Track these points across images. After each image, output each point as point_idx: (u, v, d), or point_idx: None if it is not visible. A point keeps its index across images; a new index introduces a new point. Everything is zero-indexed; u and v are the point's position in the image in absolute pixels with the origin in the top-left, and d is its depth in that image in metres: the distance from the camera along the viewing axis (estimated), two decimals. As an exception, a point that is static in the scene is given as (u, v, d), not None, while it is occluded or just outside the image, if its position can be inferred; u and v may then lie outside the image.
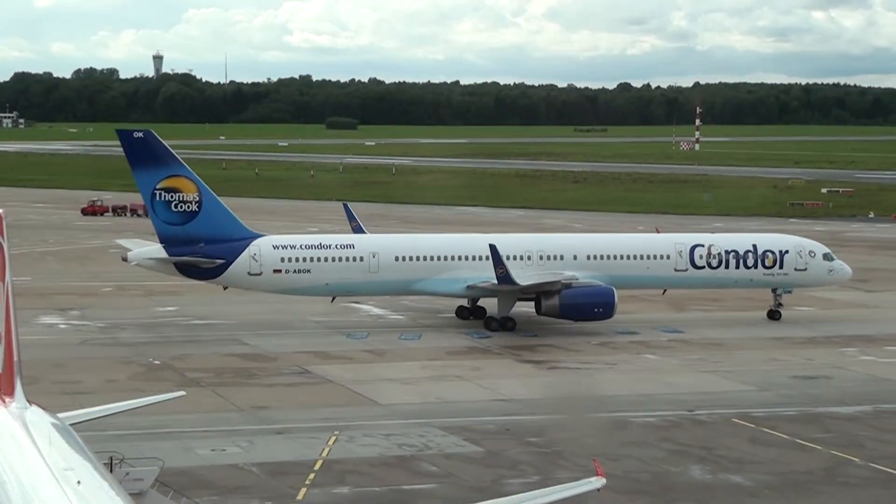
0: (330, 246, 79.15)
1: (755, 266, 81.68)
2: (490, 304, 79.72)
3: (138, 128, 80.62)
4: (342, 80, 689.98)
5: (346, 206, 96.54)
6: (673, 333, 76.96)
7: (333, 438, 51.28)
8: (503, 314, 77.71)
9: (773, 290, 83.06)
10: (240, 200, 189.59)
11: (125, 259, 79.18)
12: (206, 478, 45.67)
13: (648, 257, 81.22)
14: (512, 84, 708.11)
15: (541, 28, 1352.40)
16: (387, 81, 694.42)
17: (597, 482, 31.62)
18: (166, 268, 77.74)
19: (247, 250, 77.07)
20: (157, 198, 76.43)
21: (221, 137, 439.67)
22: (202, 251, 76.67)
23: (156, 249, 77.61)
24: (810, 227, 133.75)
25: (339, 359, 69.02)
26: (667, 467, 47.19)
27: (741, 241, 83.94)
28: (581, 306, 75.96)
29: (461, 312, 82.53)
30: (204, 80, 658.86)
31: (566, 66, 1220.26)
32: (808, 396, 59.66)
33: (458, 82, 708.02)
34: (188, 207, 76.48)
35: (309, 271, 77.74)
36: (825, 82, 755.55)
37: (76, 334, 75.60)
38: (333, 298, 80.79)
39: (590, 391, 61.43)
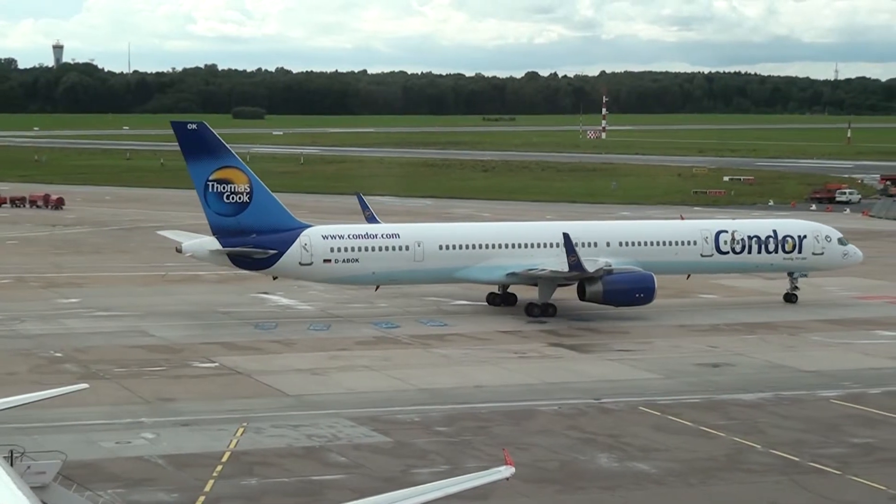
0: (376, 235, 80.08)
1: (776, 251, 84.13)
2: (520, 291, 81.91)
3: (191, 119, 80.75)
4: (248, 70, 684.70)
5: (359, 197, 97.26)
6: (581, 322, 77.55)
7: (241, 430, 50.90)
8: (544, 300, 79.09)
9: (790, 274, 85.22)
10: (145, 191, 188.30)
11: (179, 251, 79.72)
12: (111, 470, 45.09)
13: (676, 243, 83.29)
14: (420, 73, 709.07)
15: (448, 17, 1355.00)
16: (294, 71, 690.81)
17: (506, 471, 31.71)
18: (220, 259, 78.07)
19: (298, 240, 77.63)
20: (210, 189, 77.00)
21: (125, 128, 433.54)
22: (254, 242, 76.98)
23: (209, 241, 77.95)
24: (713, 215, 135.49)
25: (248, 350, 68.49)
26: (574, 455, 47.57)
27: (762, 226, 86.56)
28: (624, 292, 77.45)
29: (492, 299, 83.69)
30: (106, 70, 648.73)
31: (474, 54, 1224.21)
32: (711, 384, 60.54)
33: (365, 71, 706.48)
34: (239, 198, 77.05)
35: (357, 260, 78.38)
36: (727, 71, 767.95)
37: (-24, 327, 74.06)
38: (377, 287, 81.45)
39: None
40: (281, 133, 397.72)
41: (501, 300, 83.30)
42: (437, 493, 30.30)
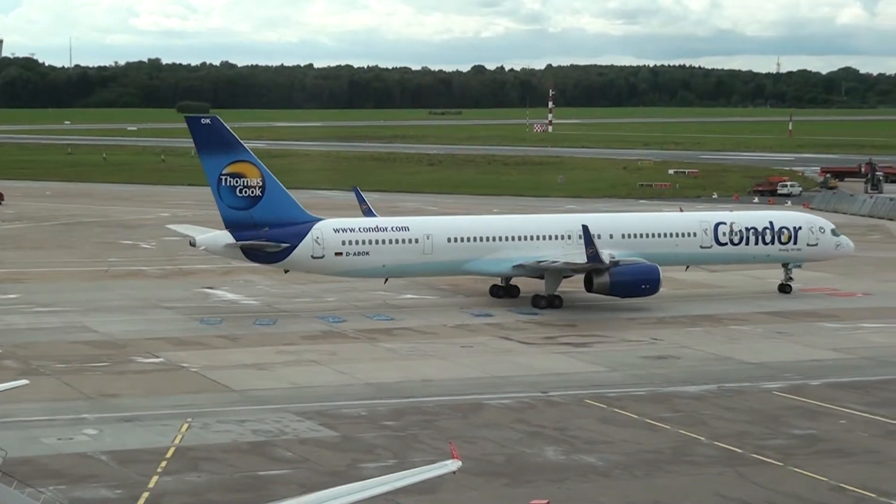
0: (386, 228, 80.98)
1: (772, 242, 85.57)
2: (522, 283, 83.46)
3: (206, 114, 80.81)
4: (193, 64, 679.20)
5: (356, 190, 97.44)
6: (528, 315, 77.71)
7: (186, 425, 50.53)
8: (550, 292, 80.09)
9: (784, 265, 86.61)
10: (86, 185, 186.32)
11: (193, 244, 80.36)
12: (52, 467, 44.60)
13: (677, 235, 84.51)
14: (366, 67, 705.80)
15: (394, 10, 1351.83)
16: (239, 65, 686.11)
17: (453, 465, 31.68)
18: (233, 252, 78.51)
19: (310, 234, 78.18)
20: (223, 183, 77.16)
21: (66, 122, 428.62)
22: (267, 235, 77.36)
23: (223, 235, 78.15)
24: (659, 207, 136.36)
25: (192, 345, 67.97)
26: (521, 449, 47.65)
27: (758, 218, 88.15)
28: (630, 283, 78.32)
29: (495, 291, 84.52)
30: (47, 65, 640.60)
31: (420, 48, 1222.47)
32: (656, 376, 60.87)
33: (311, 65, 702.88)
34: (252, 192, 77.39)
35: (367, 253, 79.20)
36: (672, 64, 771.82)
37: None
38: (386, 280, 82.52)
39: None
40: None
41: (504, 292, 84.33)
42: (384, 488, 30.24)
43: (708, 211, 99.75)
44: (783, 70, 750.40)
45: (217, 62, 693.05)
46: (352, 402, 55.15)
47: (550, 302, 79.89)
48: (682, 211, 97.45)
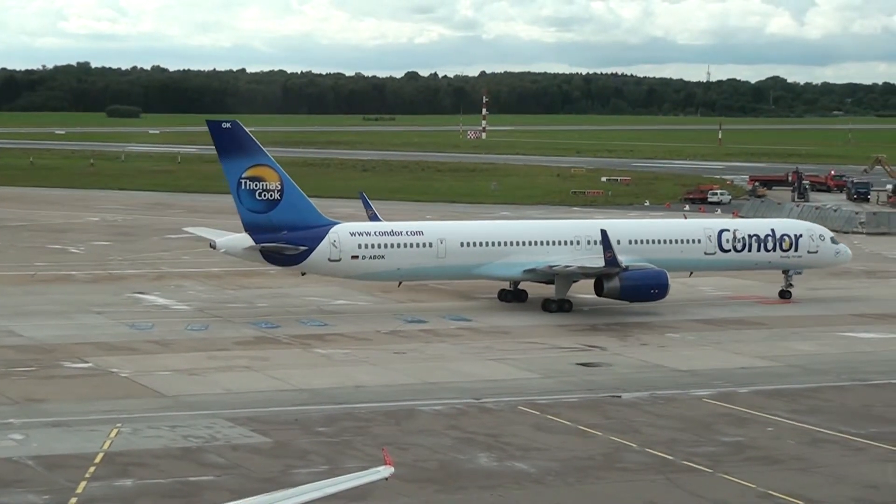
0: (401, 232, 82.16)
1: (774, 249, 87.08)
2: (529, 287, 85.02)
3: (226, 118, 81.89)
4: (124, 68, 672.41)
5: (362, 195, 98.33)
6: (461, 322, 77.85)
7: (115, 431, 49.97)
8: (560, 296, 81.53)
9: (785, 272, 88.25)
10: (13, 190, 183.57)
11: (213, 247, 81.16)
12: (-21, 475, 43.84)
13: (681, 241, 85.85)
14: (299, 72, 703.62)
15: (328, 16, 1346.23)
16: (171, 69, 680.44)
17: (385, 471, 31.65)
18: (253, 255, 79.53)
19: (327, 237, 79.26)
20: (243, 186, 78.28)
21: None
22: (285, 238, 78.33)
23: (243, 237, 79.12)
24: (591, 215, 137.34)
25: (122, 350, 67.26)
26: (454, 455, 47.68)
27: (761, 225, 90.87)
28: (639, 288, 79.51)
29: (504, 296, 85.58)
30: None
31: (354, 54, 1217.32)
32: (589, 383, 61.22)
33: (244, 70, 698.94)
34: (271, 196, 78.53)
35: (383, 257, 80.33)
36: (604, 72, 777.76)
37: None
38: (400, 283, 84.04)
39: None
40: (157, 132, 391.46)
41: (513, 297, 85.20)
42: (316, 494, 30.11)
43: (708, 218, 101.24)
44: (713, 79, 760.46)
45: (148, 66, 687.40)
46: (284, 408, 54.86)
47: (560, 306, 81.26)
48: (685, 218, 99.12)
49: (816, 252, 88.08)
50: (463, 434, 50.81)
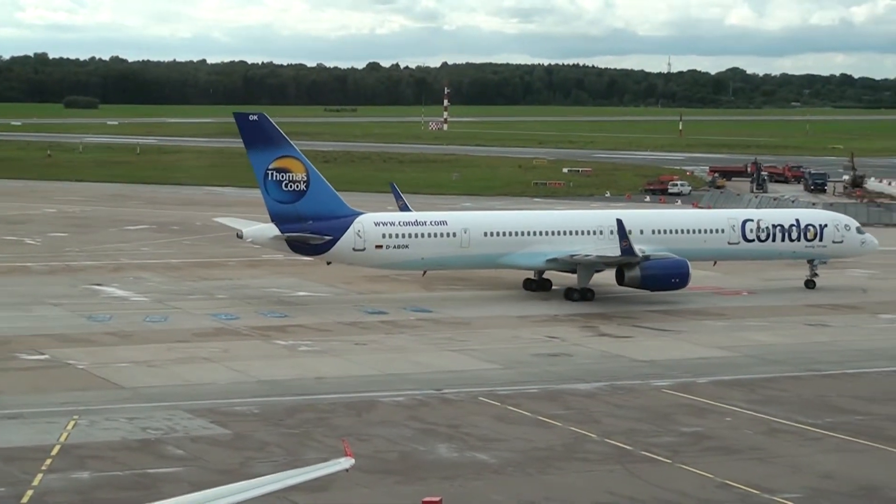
0: (425, 222, 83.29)
1: (798, 239, 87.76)
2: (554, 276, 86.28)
3: (253, 111, 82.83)
4: (81, 59, 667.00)
5: (393, 186, 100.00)
6: (421, 313, 77.85)
7: (73, 423, 49.67)
8: (583, 285, 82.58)
9: (810, 261, 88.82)
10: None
11: (240, 237, 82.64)
12: (-66, 468, 43.43)
13: (705, 231, 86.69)
14: (260, 63, 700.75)
15: (289, 6, 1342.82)
16: (130, 60, 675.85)
17: (345, 462, 31.61)
18: (279, 244, 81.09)
19: (352, 227, 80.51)
20: (270, 178, 79.65)
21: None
22: (311, 228, 79.75)
23: (269, 227, 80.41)
24: (553, 206, 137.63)
25: (80, 342, 66.76)
26: (415, 446, 47.70)
27: (785, 215, 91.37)
28: (660, 277, 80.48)
29: (528, 285, 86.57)
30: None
31: (315, 45, 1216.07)
32: (549, 374, 61.37)
33: (204, 61, 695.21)
34: (297, 187, 79.88)
35: (407, 246, 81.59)
36: (566, 63, 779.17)
37: None
38: (424, 273, 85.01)
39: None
40: (116, 123, 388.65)
41: (537, 286, 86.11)
42: (276, 486, 30.06)
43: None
44: (674, 70, 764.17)
45: (107, 57, 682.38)
46: (244, 400, 54.67)
47: (583, 295, 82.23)
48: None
49: (842, 242, 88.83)
50: (423, 425, 50.82)
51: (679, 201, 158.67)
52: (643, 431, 50.29)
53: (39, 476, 42.62)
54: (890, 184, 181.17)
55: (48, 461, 44.37)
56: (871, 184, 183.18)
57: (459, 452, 46.98)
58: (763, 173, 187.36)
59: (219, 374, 59.86)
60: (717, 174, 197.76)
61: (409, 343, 68.69)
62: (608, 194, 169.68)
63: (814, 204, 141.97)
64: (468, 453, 46.83)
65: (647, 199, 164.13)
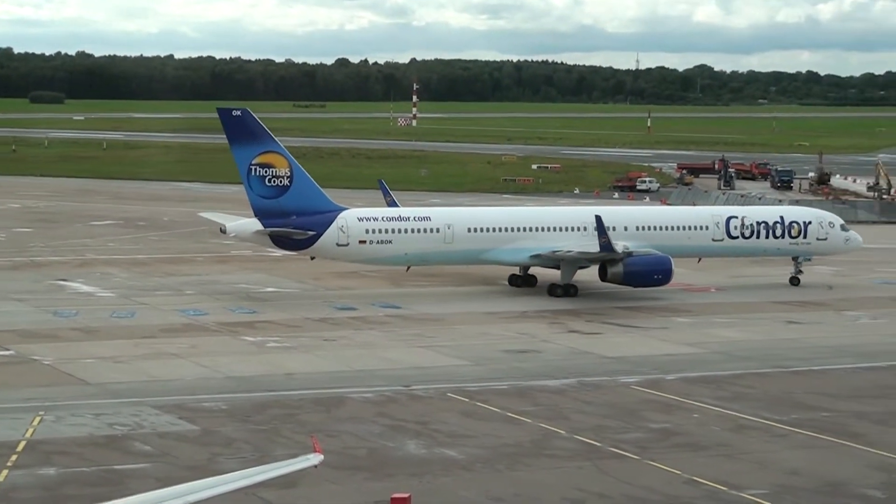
0: (409, 218, 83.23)
1: (782, 236, 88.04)
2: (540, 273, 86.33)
3: (236, 106, 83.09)
4: (47, 54, 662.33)
5: (381, 183, 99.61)
6: (391, 309, 77.73)
7: (38, 419, 49.31)
8: (566, 281, 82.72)
9: (794, 259, 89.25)
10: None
11: (223, 231, 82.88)
12: None
13: (689, 228, 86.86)
14: (228, 58, 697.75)
15: (257, 1, 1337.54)
16: (96, 55, 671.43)
17: (314, 458, 31.50)
18: (262, 239, 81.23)
19: (335, 222, 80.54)
20: (253, 173, 79.83)
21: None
22: (294, 223, 79.68)
23: (252, 222, 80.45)
24: (523, 202, 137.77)
25: (45, 338, 66.27)
26: (383, 443, 47.62)
27: (769, 212, 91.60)
28: (643, 274, 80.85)
29: (514, 280, 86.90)
30: None
31: (283, 40, 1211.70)
32: (518, 370, 61.38)
33: (172, 56, 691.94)
34: (280, 182, 79.98)
35: (390, 242, 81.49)
36: (535, 59, 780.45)
37: None
38: (408, 268, 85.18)
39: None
40: (82, 118, 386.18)
41: (523, 281, 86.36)
42: (244, 482, 29.91)
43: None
44: (642, 67, 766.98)
45: (73, 52, 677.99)
46: (212, 396, 54.44)
47: (566, 291, 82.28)
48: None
49: (826, 239, 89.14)
50: (392, 421, 50.75)
51: (647, 198, 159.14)
52: (611, 428, 50.40)
53: (5, 472, 42.30)
54: (855, 181, 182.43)
55: (14, 457, 44.02)
56: (836, 181, 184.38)
57: (428, 449, 46.94)
58: (730, 170, 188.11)
59: (186, 370, 59.57)
60: (685, 171, 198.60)
61: (378, 339, 68.57)
62: (577, 191, 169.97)
63: (780, 201, 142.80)
64: (437, 450, 46.79)
65: (616, 195, 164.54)
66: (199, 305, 77.18)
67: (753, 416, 52.73)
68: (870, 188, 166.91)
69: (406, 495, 38.97)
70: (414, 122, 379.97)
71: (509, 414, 52.24)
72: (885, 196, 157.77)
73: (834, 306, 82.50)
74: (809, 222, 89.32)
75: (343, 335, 69.34)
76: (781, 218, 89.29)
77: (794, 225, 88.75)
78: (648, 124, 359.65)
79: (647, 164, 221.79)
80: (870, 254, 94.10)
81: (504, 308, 79.04)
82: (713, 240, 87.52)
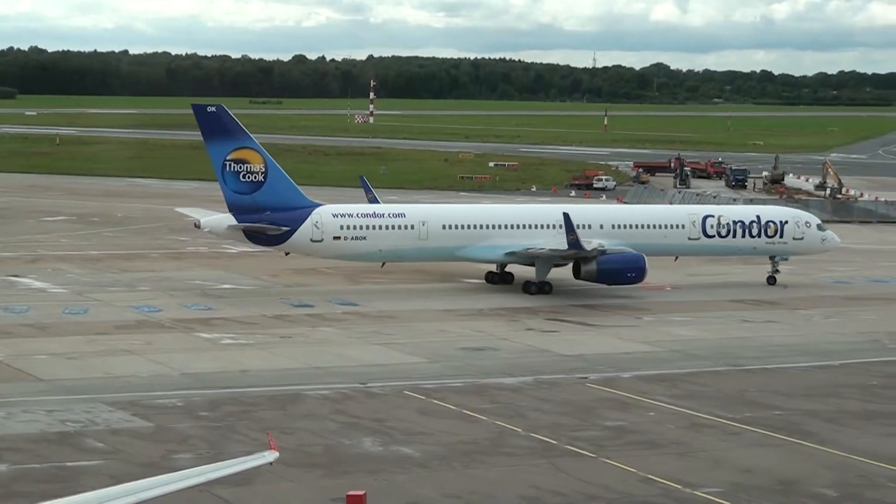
0: (383, 214, 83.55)
1: (759, 235, 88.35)
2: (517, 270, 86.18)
3: (211, 102, 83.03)
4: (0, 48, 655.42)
5: (362, 180, 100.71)
6: (347, 306, 77.55)
7: (-10, 417, 48.73)
8: (541, 279, 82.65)
9: (771, 258, 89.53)
10: None
11: (198, 226, 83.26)
12: None
13: (666, 226, 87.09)
14: (184, 54, 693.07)
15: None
16: (49, 50, 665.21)
17: (270, 455, 31.33)
18: (236, 235, 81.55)
19: (310, 218, 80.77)
20: (227, 168, 79.92)
21: None
22: (268, 219, 79.93)
23: (226, 217, 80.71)
24: (479, 200, 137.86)
25: (-2, 334, 65.53)
26: (339, 440, 47.48)
27: (746, 212, 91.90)
28: (616, 272, 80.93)
29: (490, 277, 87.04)
30: None
31: (240, 36, 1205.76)
32: (475, 368, 61.39)
33: (127, 51, 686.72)
34: (255, 178, 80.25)
35: (365, 238, 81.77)
36: (493, 57, 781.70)
37: None
38: (383, 264, 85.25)
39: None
40: (34, 113, 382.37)
41: (499, 279, 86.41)
42: (199, 479, 29.67)
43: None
44: (599, 65, 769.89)
45: (25, 47, 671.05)
46: (167, 393, 54.07)
47: (540, 288, 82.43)
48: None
49: (802, 239, 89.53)
50: (348, 419, 50.62)
51: (604, 196, 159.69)
52: (567, 425, 50.52)
53: (-45, 470, 41.82)
54: (807, 180, 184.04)
55: (-36, 455, 43.54)
56: (790, 180, 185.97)
57: (384, 446, 46.85)
58: (686, 169, 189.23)
59: (140, 367, 59.12)
60: (641, 169, 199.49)
61: (335, 336, 68.37)
62: (534, 188, 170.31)
63: (734, 199, 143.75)
64: (393, 447, 46.72)
65: (573, 193, 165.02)
66: (153, 302, 76.64)
67: (708, 414, 53.03)
68: (817, 187, 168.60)
69: (362, 493, 38.85)
70: (371, 120, 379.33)
71: (466, 411, 52.24)
72: (838, 196, 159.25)
73: (788, 305, 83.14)
74: (786, 222, 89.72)
75: (299, 332, 69.08)
76: (758, 217, 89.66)
77: (771, 224, 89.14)
78: (605, 122, 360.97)
79: (603, 163, 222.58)
80: (823, 253, 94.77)
81: (462, 305, 79.01)
82: (689, 238, 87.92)
